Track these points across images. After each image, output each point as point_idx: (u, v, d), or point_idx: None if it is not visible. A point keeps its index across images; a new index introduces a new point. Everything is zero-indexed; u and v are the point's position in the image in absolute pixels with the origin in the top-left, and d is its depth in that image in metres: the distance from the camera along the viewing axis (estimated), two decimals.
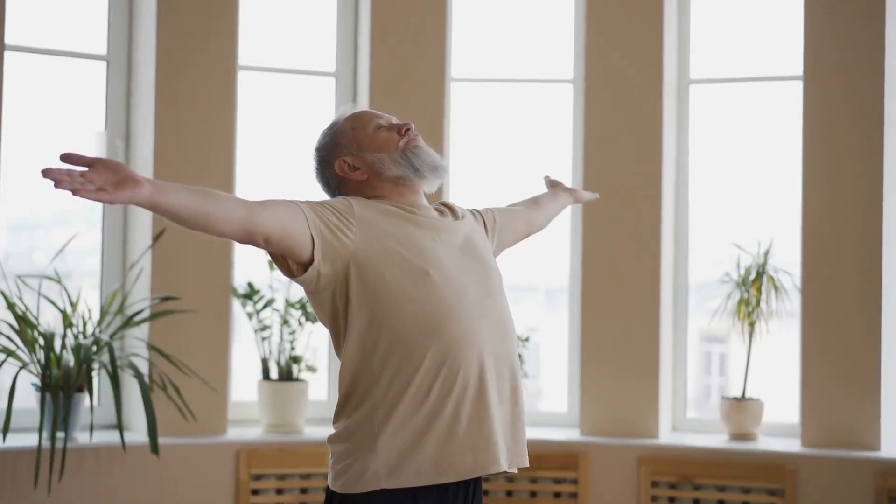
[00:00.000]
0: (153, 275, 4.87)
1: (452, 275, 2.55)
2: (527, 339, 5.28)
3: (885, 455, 4.82)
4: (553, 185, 3.28)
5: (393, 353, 2.49)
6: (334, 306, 2.54)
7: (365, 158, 2.63)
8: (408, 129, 2.66)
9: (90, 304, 4.83)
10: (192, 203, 2.26)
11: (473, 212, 2.86)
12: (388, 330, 2.49)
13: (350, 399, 2.55)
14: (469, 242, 2.67)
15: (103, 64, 5.06)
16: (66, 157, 2.12)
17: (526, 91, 5.57)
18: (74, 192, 2.09)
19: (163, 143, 4.91)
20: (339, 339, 2.57)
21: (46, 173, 2.06)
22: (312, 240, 2.45)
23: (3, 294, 4.54)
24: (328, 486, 2.58)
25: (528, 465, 2.65)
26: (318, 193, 2.74)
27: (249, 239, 2.39)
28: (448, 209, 2.75)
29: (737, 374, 5.42)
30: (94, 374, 4.66)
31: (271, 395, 5.03)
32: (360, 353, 2.52)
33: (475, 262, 2.64)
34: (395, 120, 2.70)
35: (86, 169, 2.12)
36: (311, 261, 2.46)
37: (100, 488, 4.62)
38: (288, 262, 2.50)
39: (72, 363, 4.50)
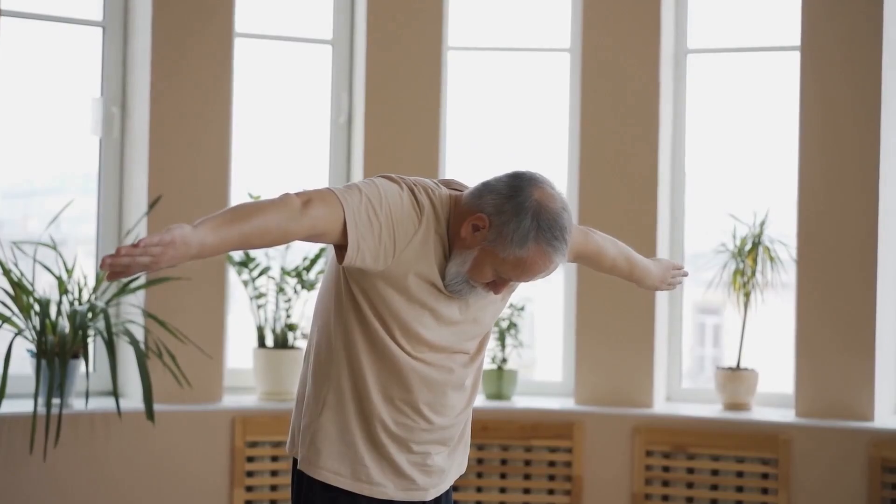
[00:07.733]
0: None
1: (437, 332, 2.52)
2: (522, 309, 5.29)
3: (878, 426, 4.84)
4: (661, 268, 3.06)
5: (345, 370, 2.52)
6: (339, 276, 2.51)
7: (474, 245, 2.43)
8: (490, 289, 2.49)
9: (86, 270, 4.82)
10: (233, 244, 2.23)
11: None
12: (355, 351, 2.50)
13: (311, 365, 2.58)
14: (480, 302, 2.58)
15: (99, 30, 5.03)
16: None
17: (523, 60, 5.55)
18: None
19: (159, 110, 4.89)
20: (328, 302, 2.54)
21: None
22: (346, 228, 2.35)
23: None
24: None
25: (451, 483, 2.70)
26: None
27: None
28: None
29: (729, 346, 5.43)
30: (90, 340, 4.66)
31: (266, 363, 5.03)
32: (330, 333, 2.53)
33: (471, 322, 2.59)
34: (522, 280, 2.48)
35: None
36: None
37: (95, 454, 4.63)
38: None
39: (67, 330, 4.49)
